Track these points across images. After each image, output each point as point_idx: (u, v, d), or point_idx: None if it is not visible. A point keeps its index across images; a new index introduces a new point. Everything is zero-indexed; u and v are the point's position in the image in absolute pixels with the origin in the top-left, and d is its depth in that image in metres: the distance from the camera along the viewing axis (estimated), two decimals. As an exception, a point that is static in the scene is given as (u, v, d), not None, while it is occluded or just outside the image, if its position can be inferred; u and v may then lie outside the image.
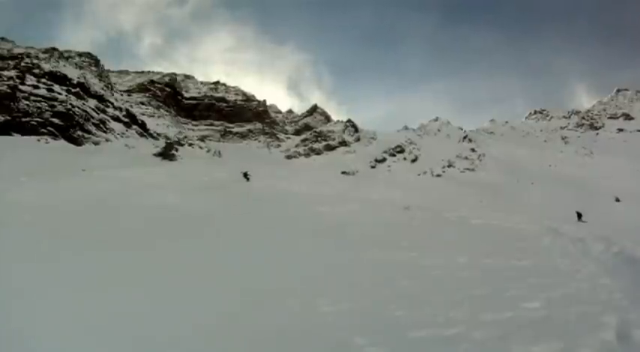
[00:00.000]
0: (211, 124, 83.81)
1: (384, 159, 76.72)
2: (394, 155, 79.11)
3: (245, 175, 20.38)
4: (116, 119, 45.70)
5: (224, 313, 3.21)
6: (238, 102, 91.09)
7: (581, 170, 66.58)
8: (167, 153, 40.03)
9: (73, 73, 43.39)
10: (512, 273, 4.74)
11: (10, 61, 39.31)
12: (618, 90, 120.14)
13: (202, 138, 72.01)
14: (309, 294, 3.74)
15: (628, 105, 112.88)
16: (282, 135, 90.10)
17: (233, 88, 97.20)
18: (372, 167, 71.70)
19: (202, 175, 18.41)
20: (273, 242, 6.35)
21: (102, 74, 56.02)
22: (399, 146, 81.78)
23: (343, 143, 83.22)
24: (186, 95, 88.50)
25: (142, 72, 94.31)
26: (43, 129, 33.97)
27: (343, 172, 60.80)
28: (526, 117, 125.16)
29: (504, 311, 3.34)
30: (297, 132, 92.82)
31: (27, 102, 34.53)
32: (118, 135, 42.80)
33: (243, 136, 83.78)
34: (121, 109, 48.78)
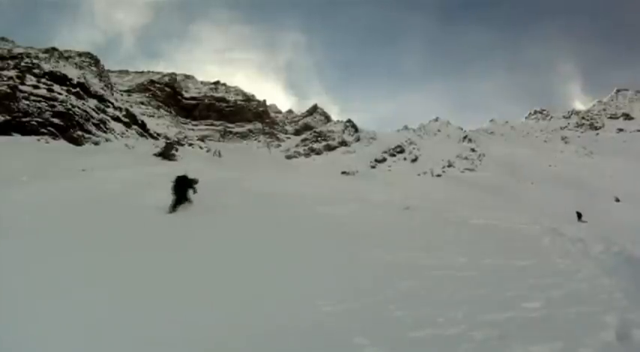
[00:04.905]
0: (211, 124, 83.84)
1: (384, 159, 76.77)
2: (394, 155, 79.19)
3: None
4: (116, 119, 45.67)
5: (223, 313, 3.21)
6: (238, 102, 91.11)
7: (581, 170, 66.57)
8: (167, 153, 40.01)
9: (73, 73, 43.38)
10: (512, 273, 4.74)
11: (10, 61, 39.28)
12: (618, 90, 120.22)
13: (202, 138, 71.98)
14: (309, 294, 3.73)
15: (628, 105, 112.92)
16: (282, 135, 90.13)
17: (233, 87, 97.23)
18: (372, 167, 71.73)
19: (202, 175, 18.38)
20: (273, 242, 6.34)
21: (102, 74, 55.99)
22: (399, 146, 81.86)
23: (343, 143, 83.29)
24: (186, 95, 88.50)
25: (142, 72, 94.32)
26: (43, 129, 33.94)
27: (343, 172, 60.89)
28: (526, 117, 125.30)
29: (504, 311, 3.34)
30: (297, 132, 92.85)
31: (27, 102, 34.51)
32: (118, 135, 42.78)
33: (243, 136, 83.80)
34: (121, 109, 48.76)
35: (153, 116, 70.19)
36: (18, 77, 36.32)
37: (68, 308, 3.09)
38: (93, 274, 3.98)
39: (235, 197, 12.54)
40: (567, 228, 8.97)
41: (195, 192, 9.49)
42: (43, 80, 38.49)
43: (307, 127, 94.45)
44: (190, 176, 9.71)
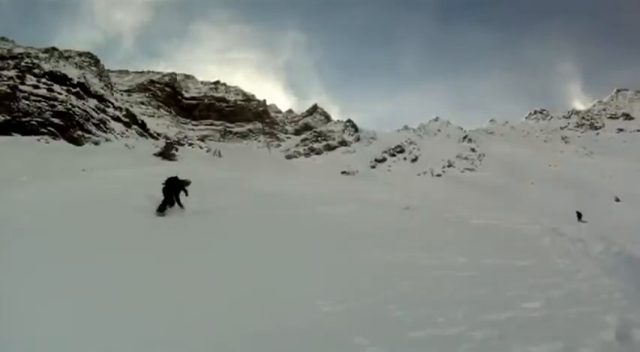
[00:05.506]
0: (211, 124, 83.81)
1: (384, 159, 76.78)
2: (394, 155, 79.19)
3: None
4: (116, 119, 45.69)
5: (223, 313, 3.21)
6: (238, 102, 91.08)
7: (581, 170, 66.54)
8: (167, 153, 40.09)
9: (73, 73, 43.40)
10: (512, 273, 4.74)
11: (10, 61, 39.30)
12: (618, 90, 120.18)
13: (202, 138, 72.04)
14: (309, 294, 3.74)
15: (628, 105, 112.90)
16: (282, 135, 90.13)
17: (233, 87, 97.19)
18: (372, 167, 71.74)
19: (202, 175, 18.37)
20: (273, 242, 6.34)
21: (102, 74, 56.03)
22: (399, 146, 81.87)
23: (343, 143, 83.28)
24: (186, 95, 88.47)
25: (142, 72, 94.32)
26: (43, 129, 33.96)
27: (343, 172, 60.93)
28: (526, 117, 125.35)
29: (504, 311, 3.34)
30: (297, 132, 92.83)
31: (27, 102, 34.52)
32: (118, 135, 42.80)
33: (243, 136, 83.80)
34: (121, 109, 48.77)
35: (153, 116, 70.18)
36: (18, 77, 36.34)
37: (67, 308, 3.09)
38: (93, 274, 3.98)
39: (235, 197, 12.54)
40: (567, 228, 8.96)
41: (187, 194, 9.03)
42: (43, 80, 38.51)
43: (307, 127, 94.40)
44: (190, 176, 9.63)
